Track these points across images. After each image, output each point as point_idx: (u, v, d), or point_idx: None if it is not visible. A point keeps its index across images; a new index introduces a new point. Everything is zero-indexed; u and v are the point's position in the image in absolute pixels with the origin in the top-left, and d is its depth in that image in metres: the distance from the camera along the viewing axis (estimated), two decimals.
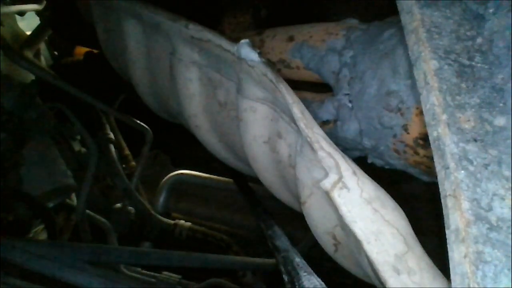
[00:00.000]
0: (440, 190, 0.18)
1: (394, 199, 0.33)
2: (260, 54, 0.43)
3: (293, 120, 0.37)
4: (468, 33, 0.18)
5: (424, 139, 0.48)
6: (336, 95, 0.59)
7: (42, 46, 1.55)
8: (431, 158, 0.48)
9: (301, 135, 0.34)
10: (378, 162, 0.58)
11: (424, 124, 0.47)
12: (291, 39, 0.67)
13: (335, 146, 0.33)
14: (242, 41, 0.43)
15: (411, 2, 0.19)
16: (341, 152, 0.32)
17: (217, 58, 0.55)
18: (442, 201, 0.18)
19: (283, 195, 0.56)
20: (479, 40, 0.18)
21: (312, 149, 0.31)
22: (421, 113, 0.46)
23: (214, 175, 1.53)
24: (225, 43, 0.48)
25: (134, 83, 0.83)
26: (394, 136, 0.51)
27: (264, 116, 0.48)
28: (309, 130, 0.32)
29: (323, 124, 0.62)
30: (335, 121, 0.60)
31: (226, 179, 1.46)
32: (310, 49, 0.64)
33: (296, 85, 0.70)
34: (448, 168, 0.17)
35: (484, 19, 0.19)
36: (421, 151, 0.49)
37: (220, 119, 0.63)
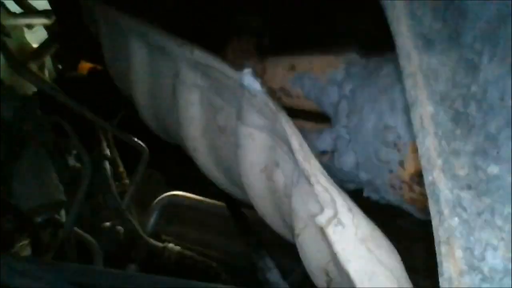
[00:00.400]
0: (435, 236, 0.18)
1: (389, 234, 0.33)
2: (262, 83, 0.44)
3: (291, 150, 0.37)
4: (464, 81, 0.19)
5: (420, 176, 0.48)
6: (334, 126, 0.60)
7: (47, 59, 1.58)
8: (426, 196, 0.48)
9: (298, 167, 0.35)
10: (374, 196, 0.58)
11: (420, 161, 0.47)
12: (292, 68, 0.69)
13: (332, 181, 0.33)
14: (246, 70, 0.44)
15: (410, 46, 0.20)
16: (338, 188, 0.32)
17: (219, 84, 0.56)
18: (436, 247, 0.18)
19: (277, 225, 0.55)
20: (473, 88, 0.19)
21: (309, 182, 0.31)
22: (417, 150, 0.47)
23: (209, 198, 1.50)
24: (229, 71, 0.49)
25: (135, 101, 0.84)
26: (391, 171, 0.51)
27: (263, 144, 0.49)
28: (307, 163, 0.32)
29: (320, 154, 0.63)
30: (333, 152, 0.60)
31: (220, 203, 1.44)
32: (310, 80, 0.66)
33: (295, 113, 0.71)
34: (442, 214, 0.17)
35: (478, 67, 0.20)
36: (417, 188, 0.49)
37: (218, 143, 0.64)
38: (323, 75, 0.63)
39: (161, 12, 0.93)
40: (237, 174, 0.58)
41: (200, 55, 0.54)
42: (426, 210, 0.52)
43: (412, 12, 0.21)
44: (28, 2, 1.52)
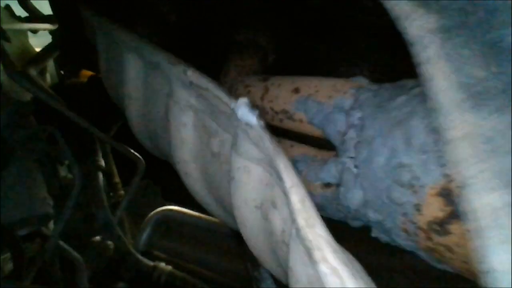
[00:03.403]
0: None
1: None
2: (259, 116, 0.38)
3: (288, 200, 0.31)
4: None
5: (440, 225, 0.41)
6: (341, 157, 0.54)
7: (50, 64, 1.56)
8: (446, 247, 0.42)
9: (296, 222, 0.28)
10: (384, 238, 0.51)
11: (441, 208, 0.41)
12: (296, 90, 0.64)
13: (342, 252, 0.26)
14: (240, 100, 0.39)
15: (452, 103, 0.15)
16: (349, 264, 0.26)
17: (214, 108, 0.51)
18: None
19: (272, 267, 0.49)
20: None
21: (310, 256, 0.25)
22: (437, 194, 0.41)
23: (205, 214, 1.45)
24: (224, 96, 0.43)
25: (128, 116, 0.79)
26: (405, 214, 0.45)
27: (259, 179, 0.43)
28: (310, 230, 0.26)
29: (324, 186, 0.57)
30: (338, 186, 0.54)
31: (216, 219, 1.38)
32: (315, 104, 0.60)
33: (298, 138, 0.65)
34: None
35: None
36: (435, 238, 0.42)
37: (211, 169, 0.58)
38: (329, 100, 0.57)
39: (164, 26, 0.88)
40: (229, 205, 0.52)
41: (193, 76, 0.48)
42: (445, 261, 0.45)
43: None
44: (34, 6, 1.50)
